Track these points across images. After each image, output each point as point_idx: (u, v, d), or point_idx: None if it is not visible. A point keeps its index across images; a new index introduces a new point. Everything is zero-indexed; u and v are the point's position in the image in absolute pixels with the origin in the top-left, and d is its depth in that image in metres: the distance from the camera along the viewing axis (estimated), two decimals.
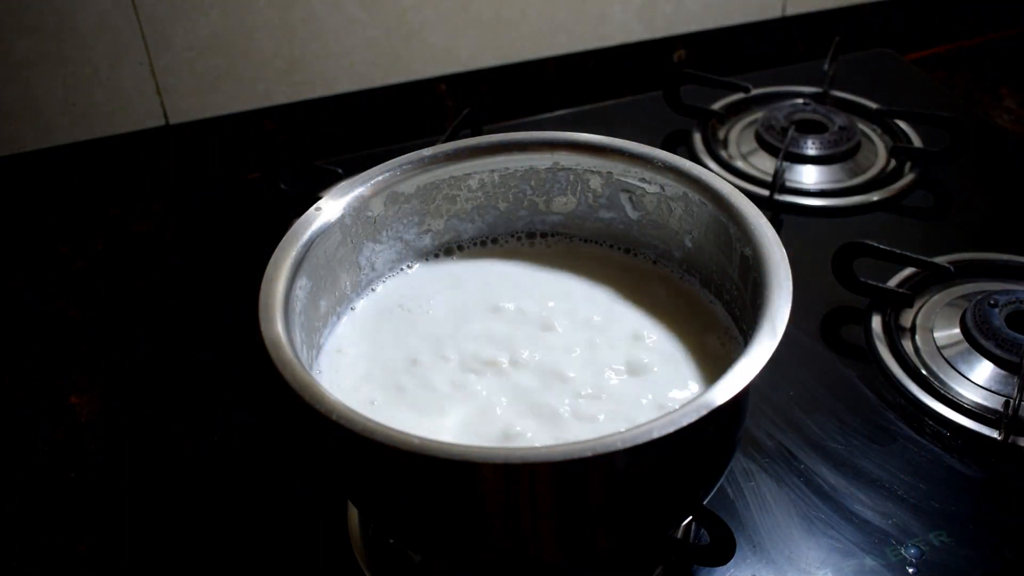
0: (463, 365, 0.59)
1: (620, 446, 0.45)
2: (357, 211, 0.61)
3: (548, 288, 0.65)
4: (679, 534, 0.63)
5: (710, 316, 0.63)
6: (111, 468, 0.71)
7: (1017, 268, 0.82)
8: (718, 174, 0.62)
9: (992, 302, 0.75)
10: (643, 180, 0.64)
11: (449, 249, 0.68)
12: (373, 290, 0.65)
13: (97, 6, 0.91)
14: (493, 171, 0.65)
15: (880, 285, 0.79)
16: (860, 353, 0.76)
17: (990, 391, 0.71)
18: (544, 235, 0.69)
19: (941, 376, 0.73)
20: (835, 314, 0.80)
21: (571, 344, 0.60)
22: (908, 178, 0.95)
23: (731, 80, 1.04)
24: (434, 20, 1.02)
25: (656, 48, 1.13)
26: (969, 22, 1.24)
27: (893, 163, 0.98)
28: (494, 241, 0.69)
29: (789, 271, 0.53)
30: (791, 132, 0.95)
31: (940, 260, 0.80)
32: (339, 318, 0.63)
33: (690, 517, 0.61)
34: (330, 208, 0.60)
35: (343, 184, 0.62)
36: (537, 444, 0.54)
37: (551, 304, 0.63)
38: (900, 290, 0.79)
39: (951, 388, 0.72)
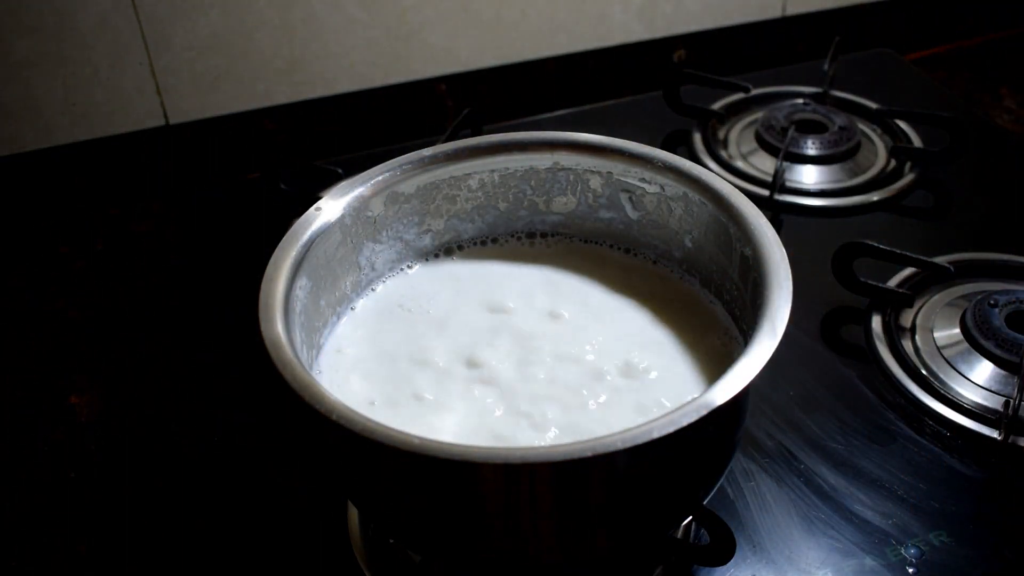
0: (463, 365, 0.59)
1: (620, 446, 0.45)
2: (357, 211, 0.61)
3: (548, 288, 0.65)
4: (679, 534, 0.63)
5: (710, 316, 0.63)
6: (111, 468, 0.71)
7: (1017, 268, 0.82)
8: (718, 174, 0.62)
9: (992, 302, 0.75)
10: (643, 180, 0.64)
11: (449, 249, 0.68)
12: (373, 290, 0.65)
13: (97, 6, 0.91)
14: (493, 171, 0.65)
15: (880, 285, 0.79)
16: (860, 353, 0.76)
17: (990, 391, 0.71)
18: (544, 235, 0.69)
19: (941, 376, 0.73)
20: (835, 314, 0.80)
21: (571, 344, 0.60)
22: (908, 178, 0.95)
23: (731, 80, 1.04)
24: (434, 20, 1.02)
25: (656, 48, 1.13)
26: (969, 22, 1.24)
27: (893, 163, 0.98)
28: (494, 241, 0.69)
29: (789, 271, 0.53)
30: (791, 132, 0.95)
31: (940, 260, 0.80)
32: (339, 318, 0.63)
33: (690, 517, 0.61)
34: (330, 208, 0.60)
35: (343, 184, 0.62)
36: (537, 444, 0.54)
37: (551, 304, 0.63)
38: (900, 290, 0.79)
39: (951, 388, 0.72)
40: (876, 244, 0.78)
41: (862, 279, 0.79)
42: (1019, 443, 0.68)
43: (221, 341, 0.80)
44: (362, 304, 0.64)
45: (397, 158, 0.63)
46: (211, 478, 0.70)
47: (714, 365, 0.59)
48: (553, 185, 0.66)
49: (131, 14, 0.92)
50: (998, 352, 0.72)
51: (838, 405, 0.72)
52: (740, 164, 0.97)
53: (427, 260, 0.67)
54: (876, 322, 0.78)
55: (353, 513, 0.66)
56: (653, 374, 0.58)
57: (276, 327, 0.51)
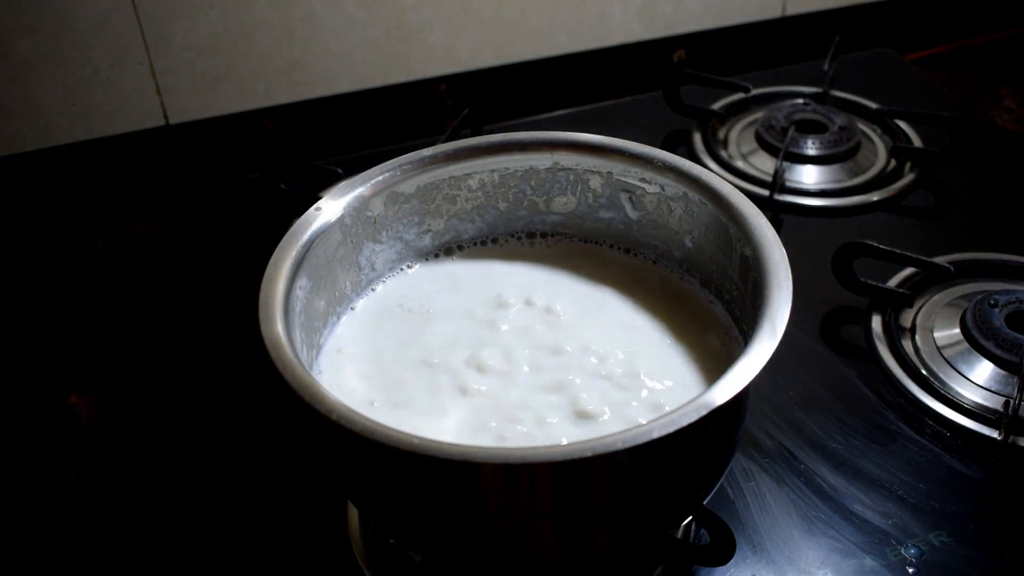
0: (463, 365, 0.59)
1: (620, 446, 0.45)
2: (357, 211, 0.61)
3: (548, 288, 0.65)
4: (679, 534, 0.63)
5: (710, 316, 0.63)
6: (111, 468, 0.71)
7: (1017, 268, 0.82)
8: (718, 174, 0.62)
9: (992, 302, 0.75)
10: (643, 180, 0.64)
11: (449, 249, 0.68)
12: (373, 290, 0.65)
13: (97, 6, 0.91)
14: (493, 171, 0.65)
15: (880, 285, 0.79)
16: (860, 353, 0.76)
17: (990, 391, 0.71)
18: (544, 235, 0.69)
19: (941, 376, 0.73)
20: (835, 314, 0.80)
21: (570, 344, 0.60)
22: (908, 178, 0.95)
23: (731, 80, 1.04)
24: (434, 20, 1.02)
25: (656, 48, 1.13)
26: (969, 22, 1.24)
27: (893, 163, 0.98)
28: (494, 241, 0.69)
29: (789, 271, 0.53)
30: (791, 132, 0.95)
31: (940, 260, 0.80)
32: (339, 318, 0.63)
33: (690, 517, 0.61)
34: (330, 208, 0.60)
35: (343, 184, 0.62)
36: (537, 444, 0.54)
37: (551, 304, 0.63)
38: (900, 290, 0.79)
39: (951, 388, 0.72)
40: (876, 244, 0.78)
41: (862, 279, 0.79)
42: (1019, 443, 0.68)
43: (221, 341, 0.80)
44: (362, 304, 0.64)
45: (397, 158, 0.63)
46: (211, 478, 0.70)
47: (714, 365, 0.59)
48: (553, 185, 0.66)
49: (131, 14, 0.92)
50: (998, 352, 0.72)
51: (838, 405, 0.72)
52: (740, 164, 0.97)
53: (427, 260, 0.67)
54: (876, 322, 0.78)
55: (353, 513, 0.66)
56: (653, 374, 0.58)
57: (276, 327, 0.51)
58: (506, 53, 1.07)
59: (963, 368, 0.73)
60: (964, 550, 0.62)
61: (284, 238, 0.57)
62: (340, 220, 0.60)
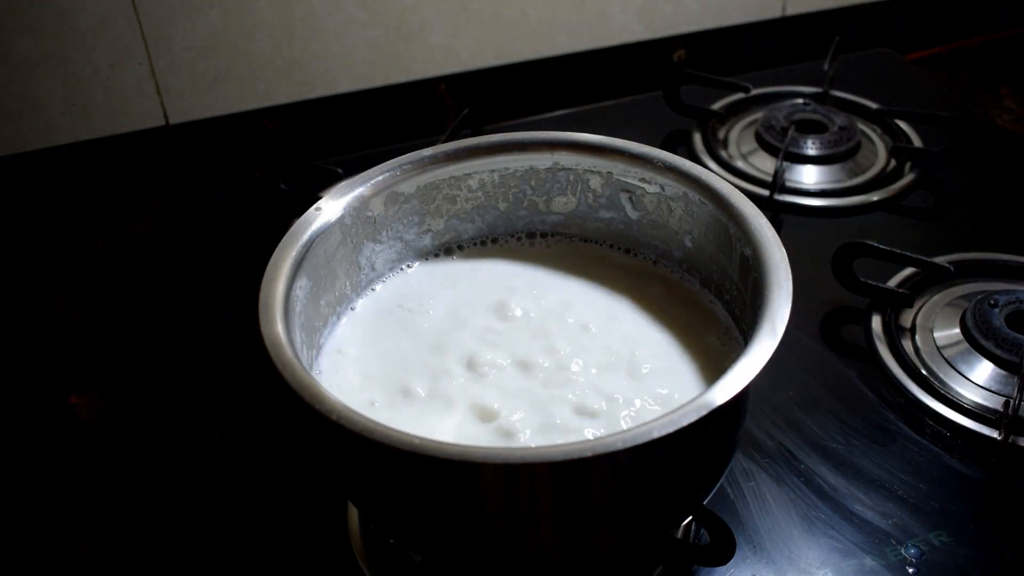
0: (463, 365, 0.59)
1: (620, 446, 0.45)
2: (357, 211, 0.61)
3: (548, 288, 0.65)
4: (679, 534, 0.63)
5: (710, 316, 0.63)
6: (111, 468, 0.71)
7: (1017, 268, 0.82)
8: (718, 174, 0.62)
9: (992, 302, 0.75)
10: (643, 180, 0.64)
11: (449, 249, 0.68)
12: (373, 290, 0.65)
13: (97, 6, 0.91)
14: (493, 171, 0.65)
15: (880, 285, 0.79)
16: (860, 353, 0.76)
17: (990, 391, 0.71)
18: (544, 235, 0.69)
19: (941, 376, 0.73)
20: (835, 314, 0.80)
21: (571, 344, 0.60)
22: (908, 178, 0.95)
23: (731, 80, 1.04)
24: (434, 20, 1.02)
25: (656, 48, 1.13)
26: (969, 22, 1.24)
27: (893, 163, 0.98)
28: (494, 241, 0.69)
29: (789, 271, 0.53)
30: (791, 132, 0.95)
31: (940, 260, 0.80)
32: (339, 318, 0.63)
33: (690, 517, 0.61)
34: (330, 208, 0.60)
35: (343, 184, 0.62)
36: (537, 444, 0.54)
37: (551, 304, 0.63)
38: (900, 290, 0.79)
39: (951, 388, 0.72)
40: (876, 244, 0.78)
41: (862, 279, 0.79)
42: (1019, 443, 0.68)
43: (221, 341, 0.80)
44: (362, 304, 0.64)
45: (397, 158, 0.63)
46: (211, 478, 0.70)
47: (714, 365, 0.59)
48: (553, 185, 0.66)
49: (131, 14, 0.92)
50: (998, 352, 0.72)
51: (838, 405, 0.72)
52: (740, 164, 0.97)
53: (427, 260, 0.67)
54: (876, 322, 0.78)
55: (353, 513, 0.66)
56: (653, 374, 0.58)
57: (276, 327, 0.51)
58: (506, 53, 1.07)
59: (963, 368, 0.73)
60: (964, 550, 0.62)
61: (284, 238, 0.57)
62: (340, 220, 0.60)
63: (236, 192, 0.98)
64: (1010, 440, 0.68)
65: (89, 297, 0.86)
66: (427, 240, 0.67)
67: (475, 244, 0.68)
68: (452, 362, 0.59)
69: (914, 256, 0.79)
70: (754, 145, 0.99)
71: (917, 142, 0.99)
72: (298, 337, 0.54)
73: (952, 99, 1.09)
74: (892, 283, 0.80)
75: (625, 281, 0.65)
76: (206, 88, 0.98)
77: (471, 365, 0.59)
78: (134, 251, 0.92)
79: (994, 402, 0.71)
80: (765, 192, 0.92)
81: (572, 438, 0.54)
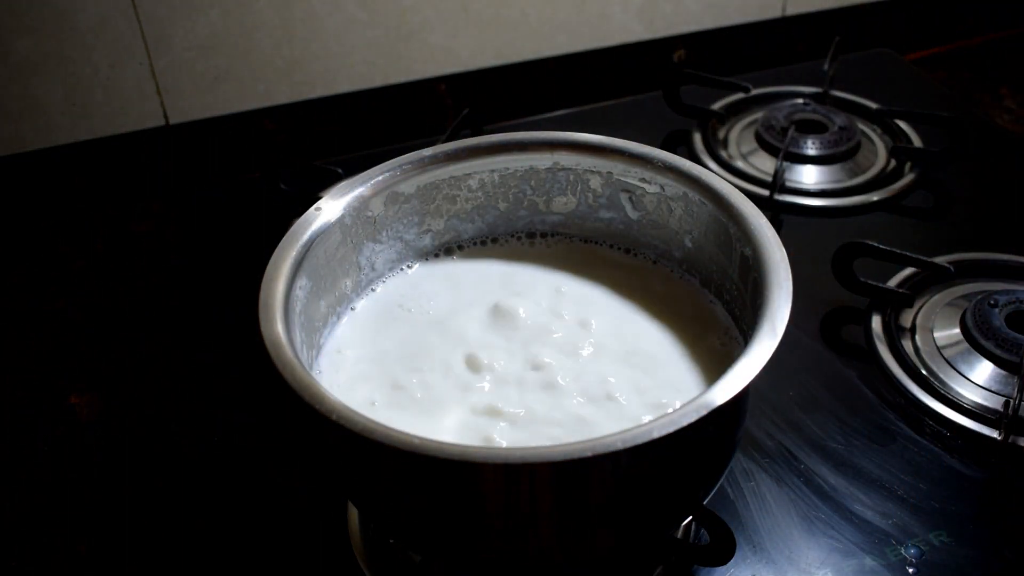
0: (463, 365, 0.59)
1: (620, 446, 0.45)
2: (357, 211, 0.61)
3: (548, 288, 0.65)
4: (679, 534, 0.63)
5: (710, 316, 0.63)
6: (111, 468, 0.71)
7: (1017, 268, 0.82)
8: (718, 174, 0.62)
9: (992, 302, 0.75)
10: (643, 180, 0.64)
11: (449, 249, 0.68)
12: (373, 290, 0.65)
13: (97, 6, 0.91)
14: (493, 171, 0.65)
15: (880, 285, 0.79)
16: (860, 353, 0.76)
17: (990, 391, 0.71)
18: (544, 235, 0.69)
19: (941, 376, 0.73)
20: (835, 314, 0.80)
21: (571, 344, 0.60)
22: (908, 178, 0.95)
23: (731, 80, 1.04)
24: (434, 20, 1.02)
25: (656, 48, 1.13)
26: (969, 22, 1.24)
27: (893, 163, 0.98)
28: (494, 241, 0.69)
29: (789, 271, 0.53)
30: (791, 132, 0.95)
31: (940, 260, 0.80)
32: (339, 318, 0.63)
33: (690, 517, 0.61)
34: (330, 208, 0.60)
35: (343, 184, 0.62)
36: (537, 444, 0.54)
37: (551, 304, 0.63)
38: (900, 290, 0.79)
39: (951, 388, 0.72)
40: (876, 244, 0.78)
41: (862, 279, 0.79)
42: (1019, 443, 0.68)
43: (221, 341, 0.80)
44: (362, 304, 0.64)
45: (397, 158, 0.63)
46: (211, 478, 0.70)
47: (714, 365, 0.59)
48: (553, 185, 0.66)
49: (131, 14, 0.92)
50: (998, 352, 0.72)
51: (838, 405, 0.72)
52: (740, 164, 0.97)
53: (427, 260, 0.67)
54: (876, 322, 0.78)
55: (353, 513, 0.66)
56: (653, 374, 0.58)
57: (276, 327, 0.51)
58: (506, 53, 1.07)
59: (963, 368, 0.73)
60: (964, 550, 0.62)
61: (284, 238, 0.57)
62: (340, 220, 0.60)
63: (236, 192, 0.98)
64: (1010, 440, 0.68)
65: (89, 297, 0.86)
66: (427, 240, 0.67)
67: (475, 244, 0.68)
68: (452, 362, 0.59)
69: (914, 256, 0.79)
70: (754, 145, 0.99)
71: (917, 142, 0.99)
72: (298, 337, 0.54)
73: (952, 99, 1.09)
74: (892, 283, 0.80)
75: (625, 281, 0.65)
76: (206, 88, 0.98)
77: (471, 365, 0.59)
78: (134, 251, 0.92)
79: (994, 402, 0.71)
80: (765, 192, 0.92)
81: (572, 438, 0.54)
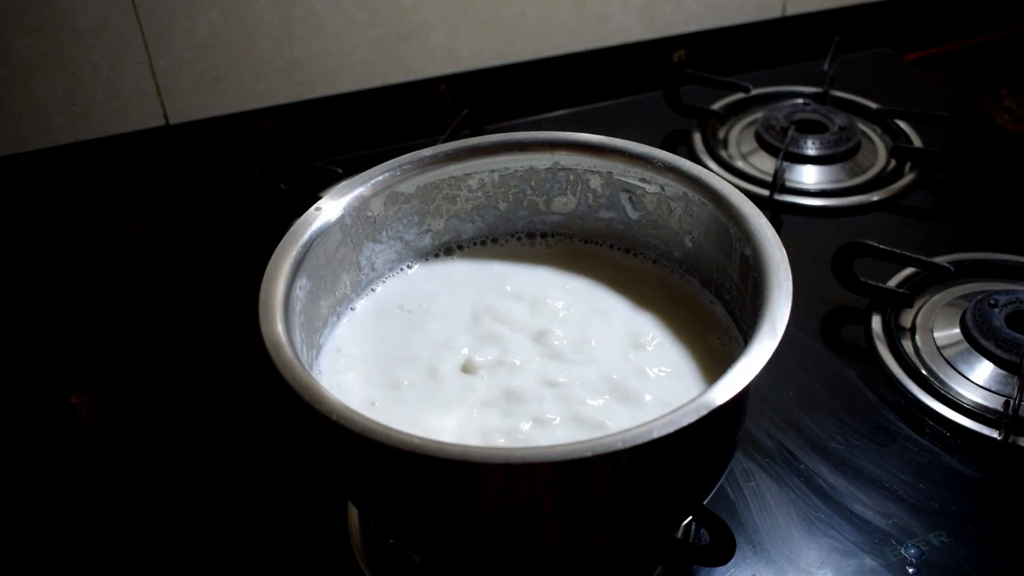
0: (463, 365, 0.59)
1: (620, 446, 0.45)
2: (357, 211, 0.61)
3: (548, 288, 0.65)
4: (679, 534, 0.63)
5: (710, 316, 0.63)
6: (111, 468, 0.71)
7: (1017, 268, 0.82)
8: (718, 174, 0.62)
9: (992, 302, 0.75)
10: (643, 180, 0.64)
11: (449, 249, 0.68)
12: (373, 290, 0.65)
13: (97, 6, 0.91)
14: (493, 171, 0.65)
15: (880, 285, 0.79)
16: (860, 353, 0.76)
17: (990, 391, 0.71)
18: (544, 235, 0.69)
19: (941, 376, 0.73)
20: (835, 314, 0.80)
21: (571, 344, 0.60)
22: (908, 178, 0.95)
23: (731, 80, 1.04)
24: (434, 20, 1.02)
25: (656, 48, 1.13)
26: (969, 22, 1.24)
27: (893, 163, 0.98)
28: (494, 241, 0.69)
29: (789, 271, 0.53)
30: (791, 132, 0.95)
31: (940, 260, 0.80)
32: (339, 318, 0.63)
33: (690, 517, 0.61)
34: (330, 208, 0.60)
35: (343, 184, 0.62)
36: (537, 444, 0.54)
37: (551, 304, 0.63)
38: (900, 290, 0.79)
39: (951, 388, 0.72)
40: (876, 244, 0.78)
41: (862, 279, 0.79)
42: (1019, 443, 0.68)
43: (221, 341, 0.80)
44: (362, 304, 0.64)
45: (397, 158, 0.63)
46: (211, 478, 0.70)
47: (714, 365, 0.59)
48: (553, 185, 0.66)
49: (131, 14, 0.92)
50: (998, 352, 0.72)
51: (838, 405, 0.72)
52: (740, 164, 0.97)
53: (427, 260, 0.67)
54: (876, 322, 0.78)
55: (353, 513, 0.66)
56: (653, 374, 0.58)
57: (276, 327, 0.51)
58: (506, 53, 1.07)
59: (963, 368, 0.73)
60: (964, 550, 0.62)
61: (284, 238, 0.57)
62: (340, 220, 0.60)
63: (236, 192, 0.98)
64: (1010, 440, 0.68)
65: (89, 297, 0.86)
66: (427, 240, 0.67)
67: (475, 244, 0.68)
68: (452, 362, 0.59)
69: (914, 256, 0.79)
70: (754, 145, 0.99)
71: (917, 142, 0.99)
72: (298, 337, 0.54)
73: (952, 99, 1.09)
74: (892, 283, 0.80)
75: (625, 281, 0.65)
76: (206, 88, 0.98)
77: (471, 365, 0.59)
78: (134, 251, 0.92)
79: (994, 402, 0.71)
80: (765, 192, 0.92)
81: (572, 438, 0.54)
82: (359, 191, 0.61)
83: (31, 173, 0.97)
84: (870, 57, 1.15)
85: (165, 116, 0.99)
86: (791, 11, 1.16)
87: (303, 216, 0.59)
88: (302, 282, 0.56)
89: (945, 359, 0.74)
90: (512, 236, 0.69)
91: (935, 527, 0.64)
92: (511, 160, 0.65)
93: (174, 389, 0.77)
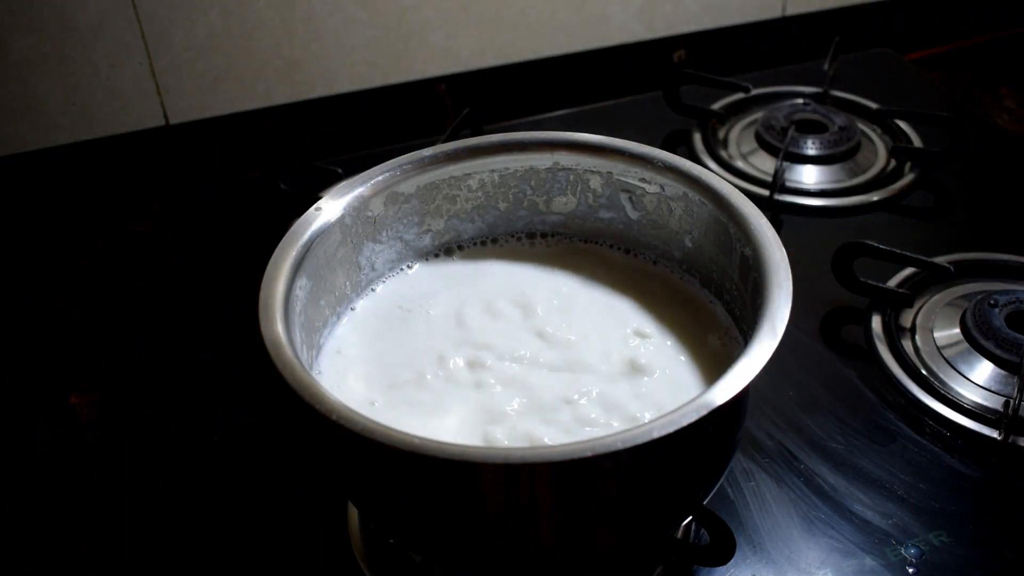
0: (463, 365, 0.59)
1: (620, 446, 0.45)
2: (357, 211, 0.61)
3: (548, 288, 0.65)
4: (679, 534, 0.63)
5: (710, 316, 0.63)
6: (111, 468, 0.71)
7: (1017, 268, 0.82)
8: (718, 174, 0.62)
9: (992, 302, 0.75)
10: (643, 180, 0.64)
11: (449, 249, 0.68)
12: (373, 290, 0.65)
13: (97, 6, 0.91)
14: (493, 171, 0.65)
15: (880, 285, 0.79)
16: (860, 353, 0.76)
17: (990, 391, 0.71)
18: (544, 235, 0.69)
19: (941, 376, 0.73)
20: (835, 314, 0.80)
21: (571, 344, 0.60)
22: (908, 178, 0.95)
23: (731, 80, 1.04)
24: (434, 20, 1.02)
25: (656, 48, 1.13)
26: (969, 22, 1.24)
27: (893, 163, 0.98)
28: (494, 241, 0.69)
29: (789, 271, 0.53)
30: (791, 132, 0.95)
31: (940, 260, 0.80)
32: (339, 318, 0.63)
33: (690, 517, 0.61)
34: (330, 208, 0.60)
35: (343, 184, 0.62)
36: (537, 444, 0.54)
37: (551, 304, 0.63)
38: (900, 290, 0.79)
39: (951, 388, 0.72)
40: (876, 244, 0.78)
41: (862, 279, 0.79)
42: (1019, 443, 0.68)
43: (221, 341, 0.80)
44: (362, 304, 0.64)
45: (397, 158, 0.63)
46: (211, 478, 0.70)
47: (714, 365, 0.59)
48: (553, 185, 0.66)
49: (131, 14, 0.92)
50: (998, 352, 0.72)
51: (838, 405, 0.72)
52: (740, 164, 0.97)
53: (427, 260, 0.67)
54: (876, 322, 0.78)
55: (353, 513, 0.66)
56: (653, 374, 0.58)
57: (276, 327, 0.51)
58: (506, 53, 1.07)
59: (963, 368, 0.73)
60: (964, 550, 0.62)
61: (284, 238, 0.57)
62: (340, 220, 0.60)
63: (236, 192, 0.98)
64: (1010, 440, 0.68)
65: (89, 297, 0.86)
66: (427, 240, 0.67)
67: (475, 244, 0.68)
68: (452, 362, 0.59)
69: (914, 256, 0.79)
70: (754, 145, 0.99)
71: (917, 142, 0.99)
72: (298, 337, 0.54)
73: (952, 99, 1.09)
74: (892, 283, 0.80)
75: (625, 281, 0.65)
76: (206, 88, 0.98)
77: (471, 365, 0.59)
78: (134, 251, 0.92)
79: (994, 402, 0.71)
80: (765, 192, 0.92)
81: (572, 438, 0.54)
82: (359, 191, 0.61)
83: (31, 173, 0.97)
84: (870, 57, 1.15)
85: (165, 116, 0.99)
86: (791, 11, 1.16)
87: (303, 216, 0.59)
88: (302, 282, 0.56)
89: (945, 359, 0.74)
90: (512, 236, 0.69)
91: (935, 527, 0.64)
92: (511, 160, 0.65)
93: (174, 389, 0.77)
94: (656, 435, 0.45)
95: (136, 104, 0.97)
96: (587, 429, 0.55)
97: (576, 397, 0.57)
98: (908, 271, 0.81)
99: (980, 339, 0.73)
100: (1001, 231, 0.90)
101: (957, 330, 0.75)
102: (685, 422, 0.46)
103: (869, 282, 0.79)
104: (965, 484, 0.67)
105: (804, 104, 1.02)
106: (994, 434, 0.69)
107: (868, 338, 0.77)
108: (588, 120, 1.05)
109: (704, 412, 0.46)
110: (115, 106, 0.96)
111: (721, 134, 1.02)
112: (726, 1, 1.12)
